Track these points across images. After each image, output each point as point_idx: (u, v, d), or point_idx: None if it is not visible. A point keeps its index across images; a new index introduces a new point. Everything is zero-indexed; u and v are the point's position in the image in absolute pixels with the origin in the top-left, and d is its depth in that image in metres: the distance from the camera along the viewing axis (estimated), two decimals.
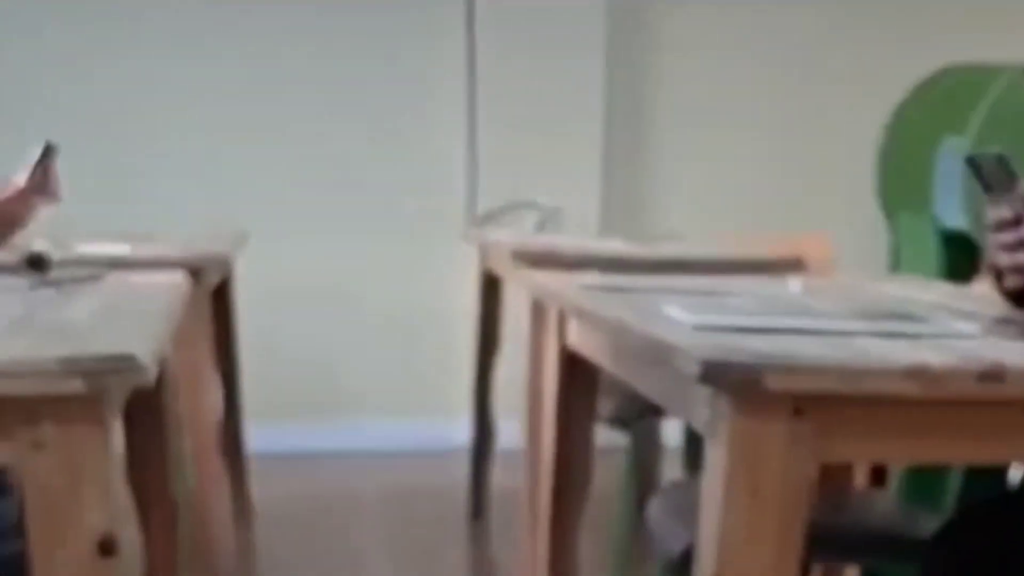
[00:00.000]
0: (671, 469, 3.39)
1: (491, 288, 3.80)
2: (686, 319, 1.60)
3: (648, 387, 1.74)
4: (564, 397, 2.29)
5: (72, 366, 1.27)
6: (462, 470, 4.00)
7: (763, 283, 2.24)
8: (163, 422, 2.12)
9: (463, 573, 3.61)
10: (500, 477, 3.93)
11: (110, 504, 1.34)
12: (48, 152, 2.83)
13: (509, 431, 3.79)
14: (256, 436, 3.96)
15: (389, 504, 4.18)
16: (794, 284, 2.19)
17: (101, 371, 1.27)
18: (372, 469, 4.56)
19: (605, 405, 2.71)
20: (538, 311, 2.46)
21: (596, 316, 1.88)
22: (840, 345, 1.44)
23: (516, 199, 4.60)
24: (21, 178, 2.70)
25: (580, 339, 2.13)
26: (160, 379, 1.77)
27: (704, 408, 1.40)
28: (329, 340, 4.81)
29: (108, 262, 2.40)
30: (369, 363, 4.83)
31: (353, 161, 4.77)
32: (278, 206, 4.66)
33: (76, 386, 1.27)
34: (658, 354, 1.48)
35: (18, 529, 2.56)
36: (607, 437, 2.74)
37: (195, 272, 2.44)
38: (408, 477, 4.49)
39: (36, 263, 2.00)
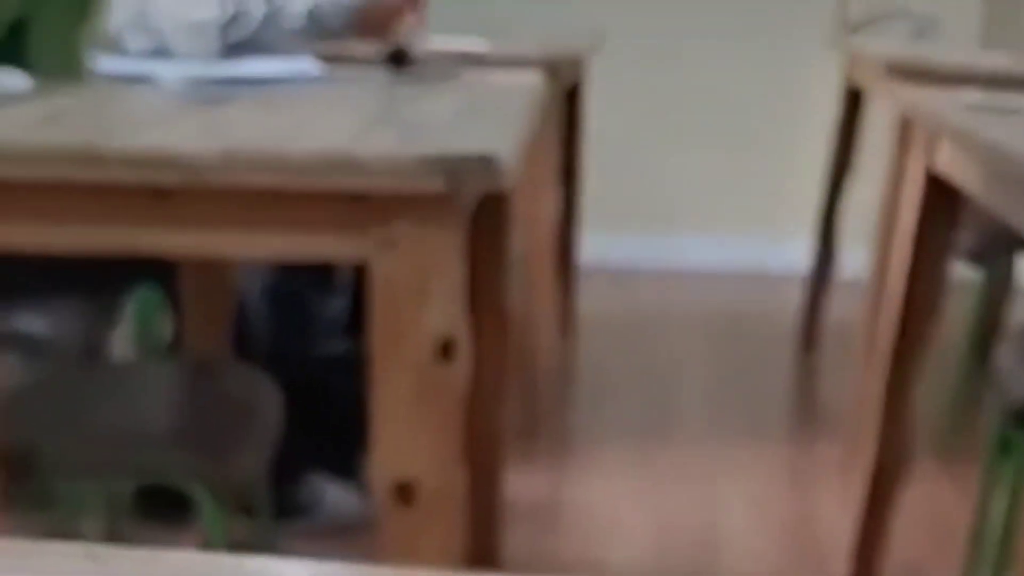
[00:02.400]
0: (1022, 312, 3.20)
1: (853, 103, 3.57)
2: None
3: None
4: (923, 225, 2.14)
5: (434, 164, 1.21)
6: (794, 297, 3.86)
7: None
8: (505, 227, 2.09)
9: (787, 405, 3.52)
10: (836, 308, 3.77)
11: (456, 308, 1.30)
12: None
13: (851, 260, 3.63)
14: (585, 245, 3.92)
15: (715, 325, 4.10)
16: None
17: (462, 170, 1.21)
18: (701, 288, 4.49)
19: (962, 238, 2.55)
20: (905, 130, 2.30)
21: (973, 138, 1.73)
22: None
23: (888, 5, 4.31)
24: None
25: (950, 163, 1.97)
26: None
27: None
28: (670, 150, 4.69)
29: (466, 59, 2.36)
30: (708, 177, 4.70)
31: None
32: (634, 6, 4.53)
33: (435, 184, 1.21)
34: None
35: (347, 329, 2.63)
36: (956, 273, 2.58)
37: (550, 71, 2.37)
38: (737, 299, 4.39)
39: (397, 58, 1.97)
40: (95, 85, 1.85)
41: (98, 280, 2.05)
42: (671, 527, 2.63)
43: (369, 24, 2.67)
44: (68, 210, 1.29)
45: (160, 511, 2.30)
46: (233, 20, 2.42)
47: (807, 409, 3.56)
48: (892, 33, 4.19)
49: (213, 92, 1.78)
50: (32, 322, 2.01)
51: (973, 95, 2.12)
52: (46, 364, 1.97)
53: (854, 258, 3.54)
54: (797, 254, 3.96)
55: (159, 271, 2.09)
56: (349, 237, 1.27)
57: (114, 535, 2.04)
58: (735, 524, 2.65)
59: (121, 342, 2.25)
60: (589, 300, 3.97)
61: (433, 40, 2.68)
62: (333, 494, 2.52)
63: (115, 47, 2.41)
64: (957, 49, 3.63)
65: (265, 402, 1.78)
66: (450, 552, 1.33)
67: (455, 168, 1.22)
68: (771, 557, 2.53)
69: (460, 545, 1.36)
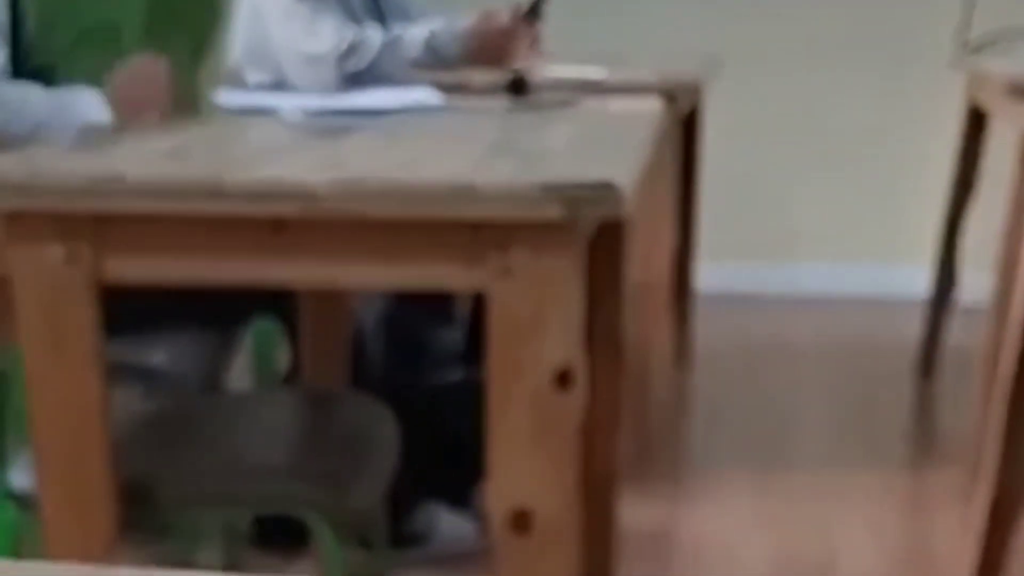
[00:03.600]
0: None
1: (976, 124, 3.49)
2: None
3: None
4: None
5: (552, 192, 1.21)
6: (914, 323, 3.78)
7: None
8: (622, 256, 2.07)
9: (906, 433, 3.44)
10: (957, 334, 3.69)
11: (574, 337, 1.29)
12: (538, 7, 2.82)
13: (972, 285, 3.56)
14: (703, 273, 3.89)
15: (833, 352, 4.03)
16: None
17: (580, 198, 1.21)
18: (819, 314, 4.42)
19: None
20: None
21: None
22: None
23: (1012, 25, 4.21)
24: (505, 16, 2.70)
25: None
26: None
27: None
28: (787, 175, 4.64)
29: (584, 86, 2.36)
30: (826, 202, 4.63)
31: None
32: (751, 31, 4.50)
33: (553, 212, 1.21)
34: None
35: (463, 358, 2.63)
36: None
37: (668, 98, 2.36)
38: (856, 326, 4.31)
39: (516, 86, 1.97)
40: (216, 119, 1.88)
41: (217, 312, 2.07)
42: (788, 556, 2.59)
43: (485, 52, 2.69)
44: (189, 242, 1.31)
45: (277, 541, 2.32)
46: (350, 51, 2.44)
47: (927, 436, 3.49)
48: (1015, 53, 4.10)
49: (332, 123, 1.79)
50: (152, 354, 2.04)
51: None
52: (166, 395, 1.99)
53: (975, 283, 3.46)
54: (917, 279, 3.88)
55: (276, 302, 2.11)
56: (467, 266, 1.27)
57: (232, 565, 2.06)
58: (854, 552, 2.60)
59: (239, 373, 2.28)
60: (706, 328, 3.93)
61: (551, 68, 2.69)
62: (448, 523, 2.52)
63: (235, 81, 2.45)
64: None
65: (382, 432, 1.79)
66: None
67: (573, 196, 1.21)
68: None
69: (575, 574, 1.34)
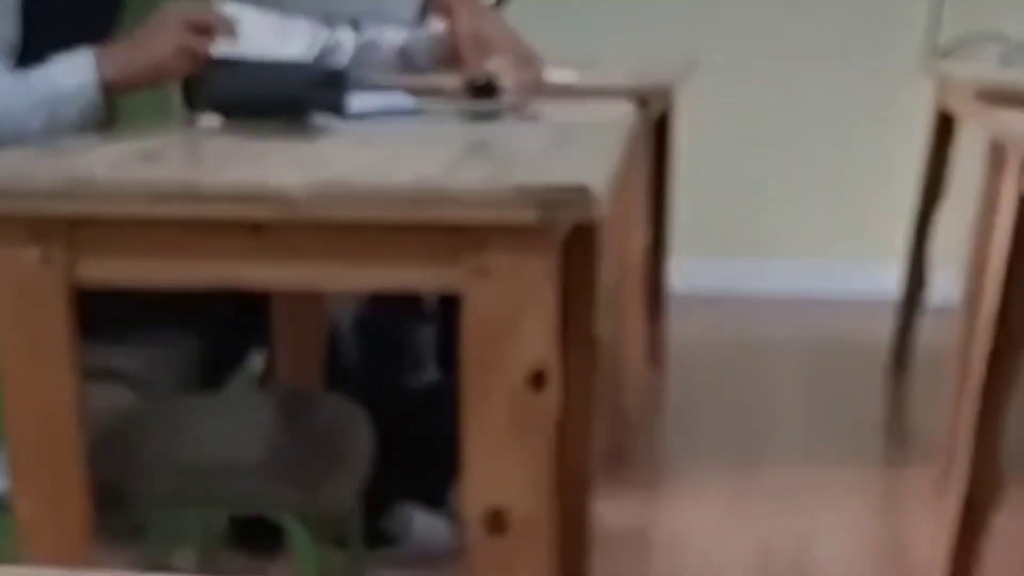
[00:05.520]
0: None
1: (944, 127, 3.53)
2: None
3: None
4: (1016, 249, 2.11)
5: (527, 195, 1.22)
6: (886, 321, 3.82)
7: None
8: (595, 257, 2.09)
9: (878, 430, 3.47)
10: (928, 333, 3.73)
11: (548, 337, 1.30)
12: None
13: (943, 284, 3.59)
14: (676, 272, 3.91)
15: (806, 350, 4.07)
16: None
17: (555, 201, 1.22)
18: (791, 313, 4.45)
19: None
20: (997, 154, 2.28)
21: None
22: None
23: (980, 30, 4.24)
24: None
25: None
26: None
27: None
28: (760, 175, 4.67)
29: (556, 90, 2.36)
30: (798, 202, 4.67)
31: None
32: (724, 34, 4.52)
33: (528, 215, 1.22)
34: None
35: (437, 358, 2.64)
36: None
37: (640, 101, 2.37)
38: (829, 324, 4.35)
39: (482, 90, 1.97)
40: (189, 123, 1.88)
41: (193, 315, 2.07)
42: (764, 553, 2.60)
43: (456, 58, 2.69)
44: (164, 245, 1.31)
45: (252, 541, 2.32)
46: (323, 56, 2.44)
47: (900, 434, 3.52)
48: (983, 57, 4.13)
49: (306, 127, 1.79)
50: (128, 357, 2.04)
51: None
52: (141, 397, 1.99)
53: (946, 282, 3.49)
54: (889, 278, 3.91)
55: (251, 303, 2.11)
56: (443, 268, 1.27)
57: (207, 566, 2.06)
58: (828, 550, 2.62)
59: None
60: (680, 326, 3.95)
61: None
62: (423, 523, 2.53)
63: None
64: None
65: (356, 433, 1.79)
66: None
67: (548, 199, 1.22)
68: None
69: (550, 573, 1.35)
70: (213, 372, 2.18)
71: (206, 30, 1.76)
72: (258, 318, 2.13)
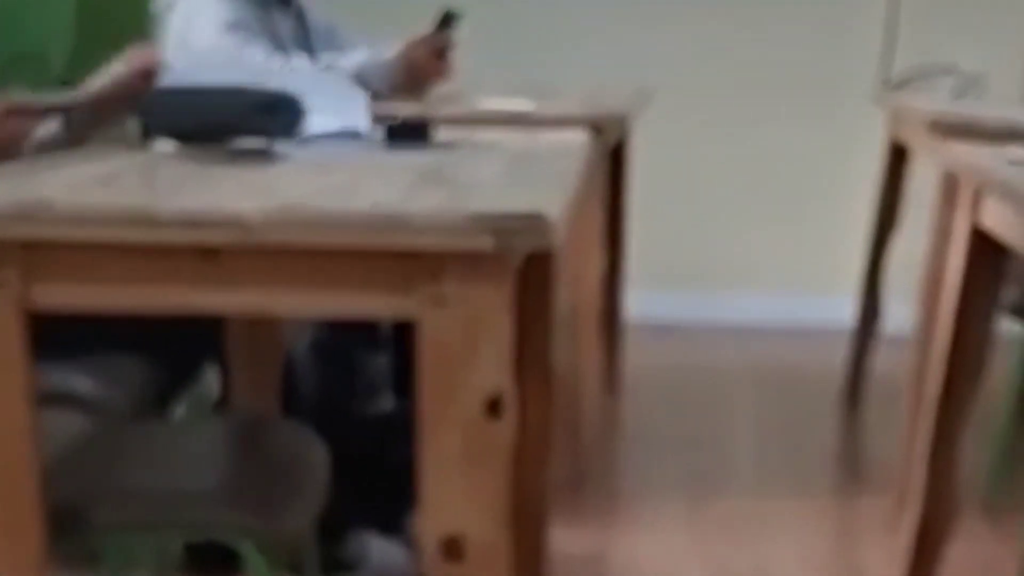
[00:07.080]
0: None
1: (898, 159, 3.57)
2: None
3: None
4: (969, 281, 2.14)
5: (482, 223, 1.23)
6: (840, 352, 3.85)
7: None
8: (551, 285, 2.09)
9: (833, 460, 3.49)
10: (882, 363, 3.76)
11: (504, 365, 1.30)
12: (448, 20, 2.82)
13: (896, 315, 3.62)
14: (631, 302, 3.92)
15: (760, 380, 4.09)
16: None
17: (510, 229, 1.22)
18: (747, 344, 4.47)
19: (1008, 293, 2.55)
20: (950, 186, 2.30)
21: (1018, 194, 1.73)
22: None
23: (932, 62, 4.29)
24: (427, 42, 2.72)
25: (995, 219, 1.97)
26: None
27: None
28: (714, 206, 4.69)
29: (511, 118, 2.38)
30: (753, 233, 4.70)
31: (759, 17, 4.57)
32: (680, 64, 4.54)
33: (484, 243, 1.23)
34: None
35: (392, 384, 2.64)
36: (1002, 328, 2.56)
37: (595, 129, 2.38)
38: (783, 355, 4.38)
39: (404, 131, 1.96)
40: (144, 147, 1.88)
41: (146, 338, 2.06)
42: None
43: (411, 80, 2.71)
44: (119, 270, 1.31)
45: (209, 567, 2.31)
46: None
47: (854, 464, 3.54)
48: (936, 90, 4.18)
49: (261, 151, 1.80)
50: (82, 381, 2.03)
51: (1017, 151, 2.12)
52: (96, 421, 1.98)
53: (899, 313, 3.52)
54: (842, 309, 3.94)
55: (206, 328, 2.10)
56: (399, 294, 1.28)
57: None
58: None
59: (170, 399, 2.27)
60: (635, 356, 3.96)
61: (481, 100, 2.70)
62: (379, 550, 2.52)
63: None
64: (1001, 106, 3.62)
65: (312, 459, 1.79)
66: None
67: (504, 227, 1.23)
68: None
69: None
70: (166, 392, 2.17)
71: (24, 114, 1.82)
72: (208, 331, 2.13)
